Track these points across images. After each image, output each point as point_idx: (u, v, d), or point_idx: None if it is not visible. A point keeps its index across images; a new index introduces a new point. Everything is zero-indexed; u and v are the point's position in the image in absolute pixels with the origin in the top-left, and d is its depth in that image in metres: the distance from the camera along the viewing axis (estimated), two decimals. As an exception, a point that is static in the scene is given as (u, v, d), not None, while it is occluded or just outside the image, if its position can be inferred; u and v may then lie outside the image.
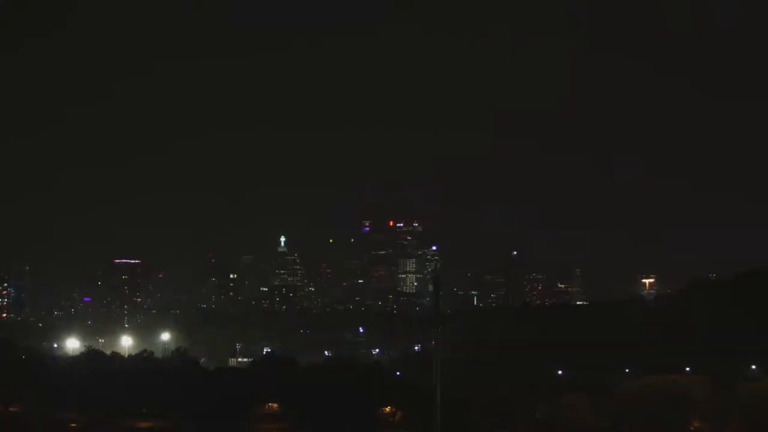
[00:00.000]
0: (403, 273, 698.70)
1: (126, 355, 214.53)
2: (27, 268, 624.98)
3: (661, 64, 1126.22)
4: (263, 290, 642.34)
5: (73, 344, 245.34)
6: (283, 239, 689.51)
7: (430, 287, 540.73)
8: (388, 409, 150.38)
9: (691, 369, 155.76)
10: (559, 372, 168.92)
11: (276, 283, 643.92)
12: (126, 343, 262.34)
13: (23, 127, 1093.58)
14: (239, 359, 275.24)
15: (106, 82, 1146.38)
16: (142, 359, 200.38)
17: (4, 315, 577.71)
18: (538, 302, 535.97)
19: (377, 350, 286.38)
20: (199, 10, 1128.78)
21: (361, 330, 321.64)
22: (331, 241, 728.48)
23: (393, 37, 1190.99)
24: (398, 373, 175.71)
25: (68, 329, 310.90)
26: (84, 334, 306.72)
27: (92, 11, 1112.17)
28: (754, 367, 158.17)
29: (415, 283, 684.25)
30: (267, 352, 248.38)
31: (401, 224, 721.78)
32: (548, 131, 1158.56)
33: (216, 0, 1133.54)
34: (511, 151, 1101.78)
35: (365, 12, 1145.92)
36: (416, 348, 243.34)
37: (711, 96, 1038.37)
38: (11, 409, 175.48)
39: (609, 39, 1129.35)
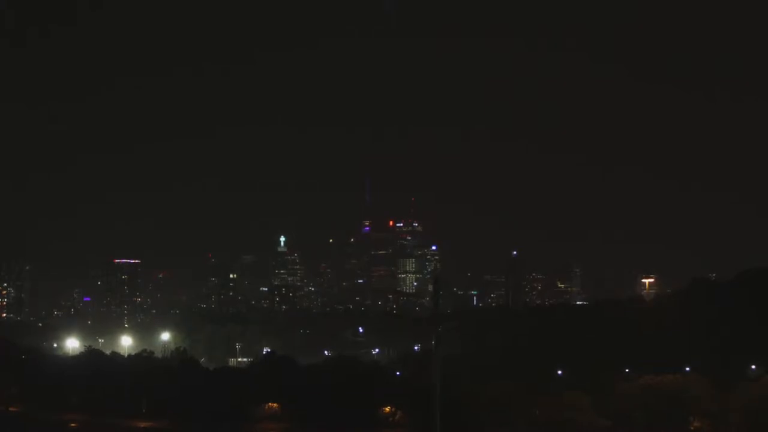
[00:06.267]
0: (403, 273, 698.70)
1: (126, 355, 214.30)
2: (27, 268, 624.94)
3: (659, 64, 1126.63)
4: (263, 290, 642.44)
5: (73, 344, 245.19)
6: (283, 239, 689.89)
7: (430, 287, 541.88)
8: (388, 409, 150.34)
9: (691, 369, 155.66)
10: (559, 372, 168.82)
11: (276, 283, 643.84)
12: (126, 343, 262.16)
13: (23, 127, 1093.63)
14: (239, 359, 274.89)
15: (107, 80, 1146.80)
16: (142, 359, 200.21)
17: (4, 315, 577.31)
18: (538, 302, 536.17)
19: (377, 350, 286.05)
20: (201, 11, 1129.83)
21: (361, 330, 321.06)
22: (331, 241, 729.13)
23: (394, 36, 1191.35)
24: (398, 373, 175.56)
25: (68, 329, 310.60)
26: (84, 334, 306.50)
27: (94, 10, 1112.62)
28: (754, 367, 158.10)
29: (415, 283, 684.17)
30: (267, 352, 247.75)
31: (401, 224, 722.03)
32: (549, 130, 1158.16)
33: (216, 4, 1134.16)
34: (511, 151, 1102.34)
35: (366, 11, 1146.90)
36: (416, 348, 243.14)
37: (710, 97, 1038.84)
38: (11, 409, 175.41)
39: (609, 36, 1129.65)
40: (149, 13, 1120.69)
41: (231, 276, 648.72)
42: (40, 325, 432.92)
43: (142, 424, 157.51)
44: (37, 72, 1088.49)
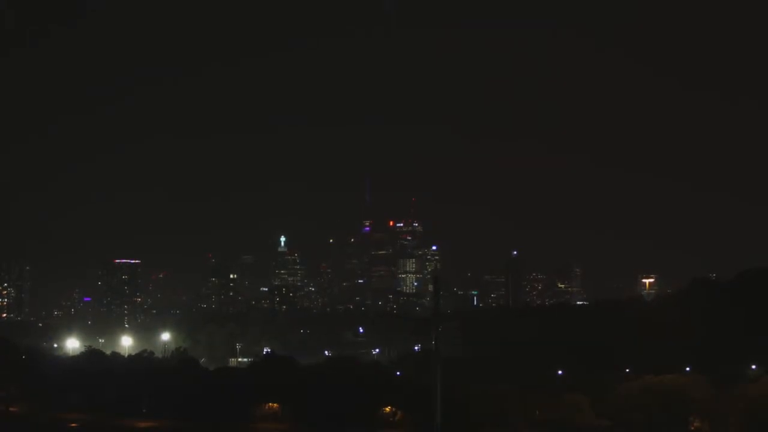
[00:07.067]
0: (403, 273, 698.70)
1: (126, 355, 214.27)
2: (27, 268, 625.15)
3: (660, 64, 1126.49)
4: (263, 290, 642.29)
5: (73, 344, 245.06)
6: (283, 239, 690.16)
7: (430, 287, 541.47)
8: (388, 409, 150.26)
9: (691, 369, 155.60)
10: (559, 372, 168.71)
11: (276, 283, 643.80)
12: (126, 343, 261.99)
13: (23, 127, 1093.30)
14: (239, 359, 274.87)
15: (107, 83, 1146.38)
16: (143, 359, 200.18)
17: (4, 315, 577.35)
18: (538, 302, 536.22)
19: (377, 350, 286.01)
20: (199, 15, 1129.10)
21: (361, 330, 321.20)
22: (331, 241, 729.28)
23: (394, 36, 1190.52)
24: (398, 373, 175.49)
25: (68, 329, 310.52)
26: (84, 334, 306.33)
27: (93, 15, 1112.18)
28: (754, 367, 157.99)
29: (415, 283, 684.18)
30: (267, 352, 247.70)
31: (401, 224, 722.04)
32: (549, 131, 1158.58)
33: (216, 3, 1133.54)
34: (511, 151, 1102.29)
35: (366, 11, 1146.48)
36: (416, 348, 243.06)
37: (712, 97, 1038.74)
38: (11, 409, 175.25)
39: (609, 36, 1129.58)
40: (146, 15, 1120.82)
41: (231, 276, 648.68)
42: (40, 325, 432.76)
43: (142, 424, 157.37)
44: (37, 72, 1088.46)
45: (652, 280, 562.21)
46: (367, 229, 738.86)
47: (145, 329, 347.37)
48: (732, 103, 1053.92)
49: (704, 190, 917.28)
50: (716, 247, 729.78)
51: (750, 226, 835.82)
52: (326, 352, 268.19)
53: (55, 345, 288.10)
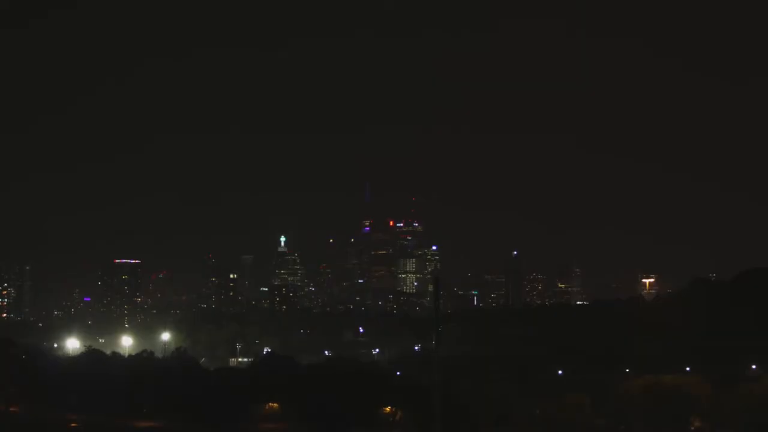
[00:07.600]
0: (403, 273, 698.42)
1: (126, 355, 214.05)
2: (27, 268, 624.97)
3: (657, 51, 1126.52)
4: (263, 290, 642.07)
5: (73, 344, 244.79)
6: (283, 239, 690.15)
7: (430, 287, 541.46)
8: (388, 409, 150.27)
9: (691, 369, 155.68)
10: (559, 372, 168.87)
11: (276, 283, 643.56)
12: (126, 343, 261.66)
13: (23, 126, 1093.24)
14: (239, 359, 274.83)
15: (106, 81, 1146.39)
16: (143, 359, 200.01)
17: (4, 315, 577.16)
18: (538, 302, 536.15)
19: (377, 350, 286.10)
20: (199, 15, 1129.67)
21: (361, 330, 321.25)
22: (331, 241, 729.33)
23: (394, 36, 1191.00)
24: (398, 373, 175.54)
25: (68, 329, 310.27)
26: (84, 334, 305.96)
27: (83, 9, 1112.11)
28: (754, 367, 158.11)
29: (415, 283, 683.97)
30: (267, 352, 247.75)
31: (401, 224, 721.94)
32: (549, 131, 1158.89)
33: (216, 3, 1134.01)
34: (512, 151, 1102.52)
35: (366, 11, 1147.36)
36: (416, 348, 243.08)
37: (713, 94, 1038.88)
38: (11, 409, 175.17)
39: (606, 25, 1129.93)
40: (145, 15, 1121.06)
41: (231, 276, 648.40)
42: (40, 325, 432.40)
43: (142, 424, 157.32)
44: (37, 72, 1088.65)
45: (652, 279, 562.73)
46: (367, 229, 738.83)
47: (145, 329, 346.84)
48: (734, 103, 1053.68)
49: (705, 189, 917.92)
50: (718, 245, 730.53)
51: (751, 225, 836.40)
52: (326, 352, 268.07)
53: (55, 345, 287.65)
